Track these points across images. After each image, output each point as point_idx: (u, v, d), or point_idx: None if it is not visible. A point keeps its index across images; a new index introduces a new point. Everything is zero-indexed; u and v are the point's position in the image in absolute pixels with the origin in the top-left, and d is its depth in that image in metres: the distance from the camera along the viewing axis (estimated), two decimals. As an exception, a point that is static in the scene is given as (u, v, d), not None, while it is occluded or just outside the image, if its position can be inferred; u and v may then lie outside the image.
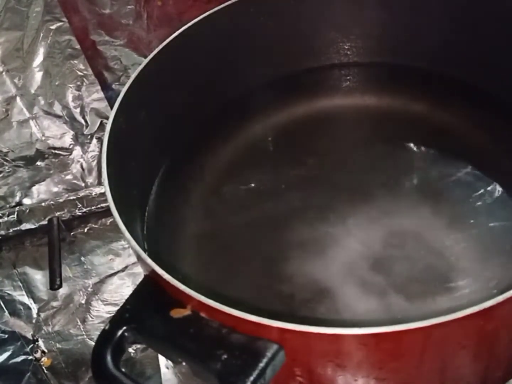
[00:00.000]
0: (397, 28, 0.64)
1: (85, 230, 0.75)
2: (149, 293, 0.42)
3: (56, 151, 0.78)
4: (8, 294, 0.70)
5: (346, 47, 0.67)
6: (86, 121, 0.78)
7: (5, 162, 0.76)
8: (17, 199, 0.78)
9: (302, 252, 0.53)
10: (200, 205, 0.58)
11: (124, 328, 0.40)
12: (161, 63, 0.56)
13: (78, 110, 0.78)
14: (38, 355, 0.65)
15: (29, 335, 0.67)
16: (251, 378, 0.36)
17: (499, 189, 0.55)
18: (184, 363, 0.39)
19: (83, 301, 0.69)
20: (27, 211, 0.76)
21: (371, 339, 0.36)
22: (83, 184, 0.79)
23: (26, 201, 0.78)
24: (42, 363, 0.65)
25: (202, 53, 0.60)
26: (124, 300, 0.41)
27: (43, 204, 0.76)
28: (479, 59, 0.61)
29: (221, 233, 0.56)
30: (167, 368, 0.57)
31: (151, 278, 0.42)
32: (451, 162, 0.58)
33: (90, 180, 0.79)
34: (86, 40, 0.76)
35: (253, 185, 0.59)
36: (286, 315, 0.49)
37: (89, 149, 0.79)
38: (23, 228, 0.75)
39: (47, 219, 0.74)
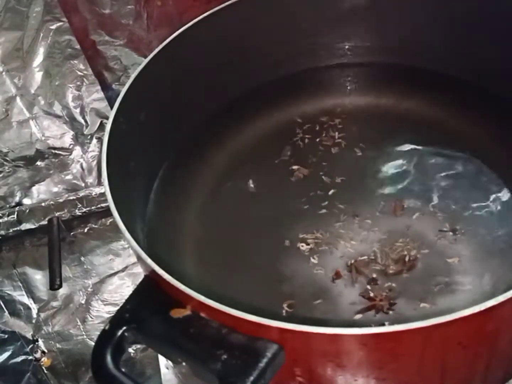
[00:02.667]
0: (397, 28, 0.64)
1: (85, 230, 0.75)
2: (149, 293, 0.42)
3: (56, 151, 0.78)
4: (8, 294, 0.70)
5: (346, 47, 0.67)
6: (86, 121, 0.78)
7: (5, 162, 0.76)
8: (17, 199, 0.78)
9: (302, 251, 0.53)
10: (200, 205, 0.58)
11: (124, 328, 0.40)
12: (161, 63, 0.56)
13: (78, 110, 0.77)
14: (38, 355, 0.65)
15: (29, 335, 0.67)
16: (251, 378, 0.36)
17: (500, 188, 0.55)
18: (184, 363, 0.39)
19: (83, 301, 0.69)
20: (27, 211, 0.76)
21: (371, 339, 0.36)
22: (83, 184, 0.79)
23: (26, 201, 0.78)
24: (42, 363, 0.65)
25: (202, 53, 0.60)
26: (124, 300, 0.41)
27: (43, 204, 0.76)
28: (479, 58, 0.61)
29: (221, 233, 0.56)
30: (167, 368, 0.57)
31: (151, 278, 0.42)
32: (452, 161, 0.58)
33: (90, 180, 0.79)
34: (86, 40, 0.76)
35: (253, 185, 0.59)
36: (286, 315, 0.49)
37: (89, 149, 0.79)
38: (23, 228, 0.75)
39: (47, 219, 0.74)
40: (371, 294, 0.49)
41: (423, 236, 0.52)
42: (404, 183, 0.57)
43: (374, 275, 0.50)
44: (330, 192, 0.57)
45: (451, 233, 0.52)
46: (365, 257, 0.51)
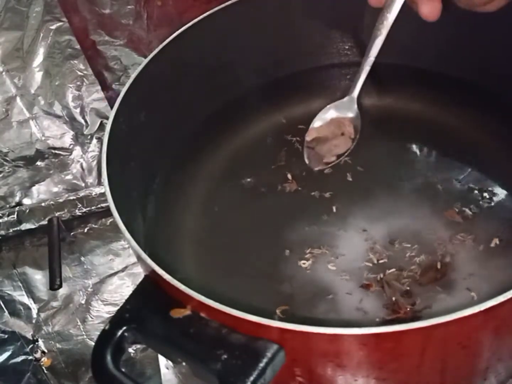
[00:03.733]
0: (398, 28, 0.64)
1: (85, 230, 0.75)
2: (149, 293, 0.42)
3: (56, 151, 0.78)
4: (8, 294, 0.70)
5: (346, 47, 0.67)
6: (86, 121, 0.78)
7: (5, 162, 0.76)
8: (17, 199, 0.78)
9: (302, 252, 0.53)
10: (200, 205, 0.58)
11: (124, 328, 0.40)
12: (161, 63, 0.56)
13: (78, 110, 0.78)
14: (38, 355, 0.65)
15: (29, 335, 0.67)
16: (251, 378, 0.36)
17: (499, 188, 0.55)
18: (184, 363, 0.39)
19: (83, 301, 0.69)
20: (27, 211, 0.76)
21: (371, 339, 0.36)
22: (83, 184, 0.79)
23: (26, 201, 0.78)
24: (42, 363, 0.65)
25: (202, 53, 0.60)
26: (124, 300, 0.41)
27: (43, 204, 0.76)
28: (479, 59, 0.61)
29: (221, 233, 0.56)
30: (167, 368, 0.57)
31: (151, 278, 0.42)
32: (452, 161, 0.58)
33: (90, 180, 0.79)
34: (86, 40, 0.76)
35: (253, 185, 0.59)
36: (286, 315, 0.49)
37: (89, 149, 0.79)
38: (23, 228, 0.75)
39: (47, 219, 0.74)
40: (395, 306, 0.48)
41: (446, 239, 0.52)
42: (409, 185, 0.57)
43: (407, 287, 0.49)
44: (330, 191, 0.57)
45: (451, 230, 0.52)
46: (393, 270, 0.50)
